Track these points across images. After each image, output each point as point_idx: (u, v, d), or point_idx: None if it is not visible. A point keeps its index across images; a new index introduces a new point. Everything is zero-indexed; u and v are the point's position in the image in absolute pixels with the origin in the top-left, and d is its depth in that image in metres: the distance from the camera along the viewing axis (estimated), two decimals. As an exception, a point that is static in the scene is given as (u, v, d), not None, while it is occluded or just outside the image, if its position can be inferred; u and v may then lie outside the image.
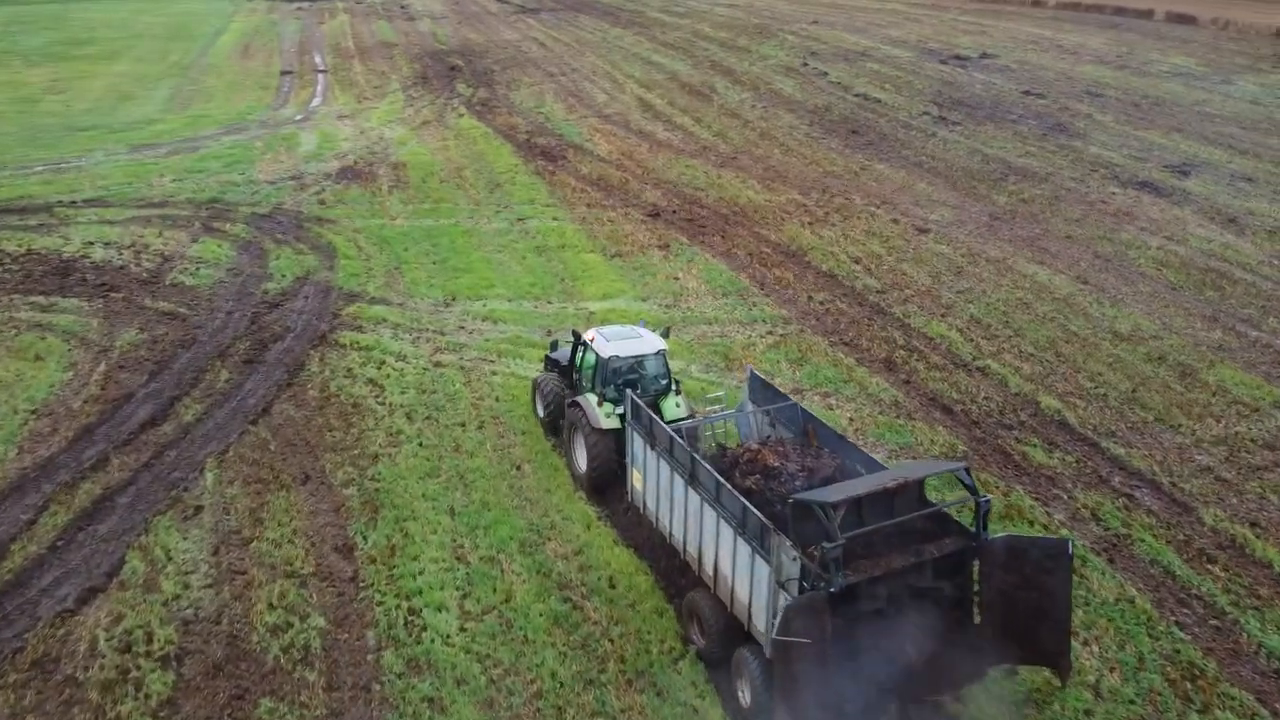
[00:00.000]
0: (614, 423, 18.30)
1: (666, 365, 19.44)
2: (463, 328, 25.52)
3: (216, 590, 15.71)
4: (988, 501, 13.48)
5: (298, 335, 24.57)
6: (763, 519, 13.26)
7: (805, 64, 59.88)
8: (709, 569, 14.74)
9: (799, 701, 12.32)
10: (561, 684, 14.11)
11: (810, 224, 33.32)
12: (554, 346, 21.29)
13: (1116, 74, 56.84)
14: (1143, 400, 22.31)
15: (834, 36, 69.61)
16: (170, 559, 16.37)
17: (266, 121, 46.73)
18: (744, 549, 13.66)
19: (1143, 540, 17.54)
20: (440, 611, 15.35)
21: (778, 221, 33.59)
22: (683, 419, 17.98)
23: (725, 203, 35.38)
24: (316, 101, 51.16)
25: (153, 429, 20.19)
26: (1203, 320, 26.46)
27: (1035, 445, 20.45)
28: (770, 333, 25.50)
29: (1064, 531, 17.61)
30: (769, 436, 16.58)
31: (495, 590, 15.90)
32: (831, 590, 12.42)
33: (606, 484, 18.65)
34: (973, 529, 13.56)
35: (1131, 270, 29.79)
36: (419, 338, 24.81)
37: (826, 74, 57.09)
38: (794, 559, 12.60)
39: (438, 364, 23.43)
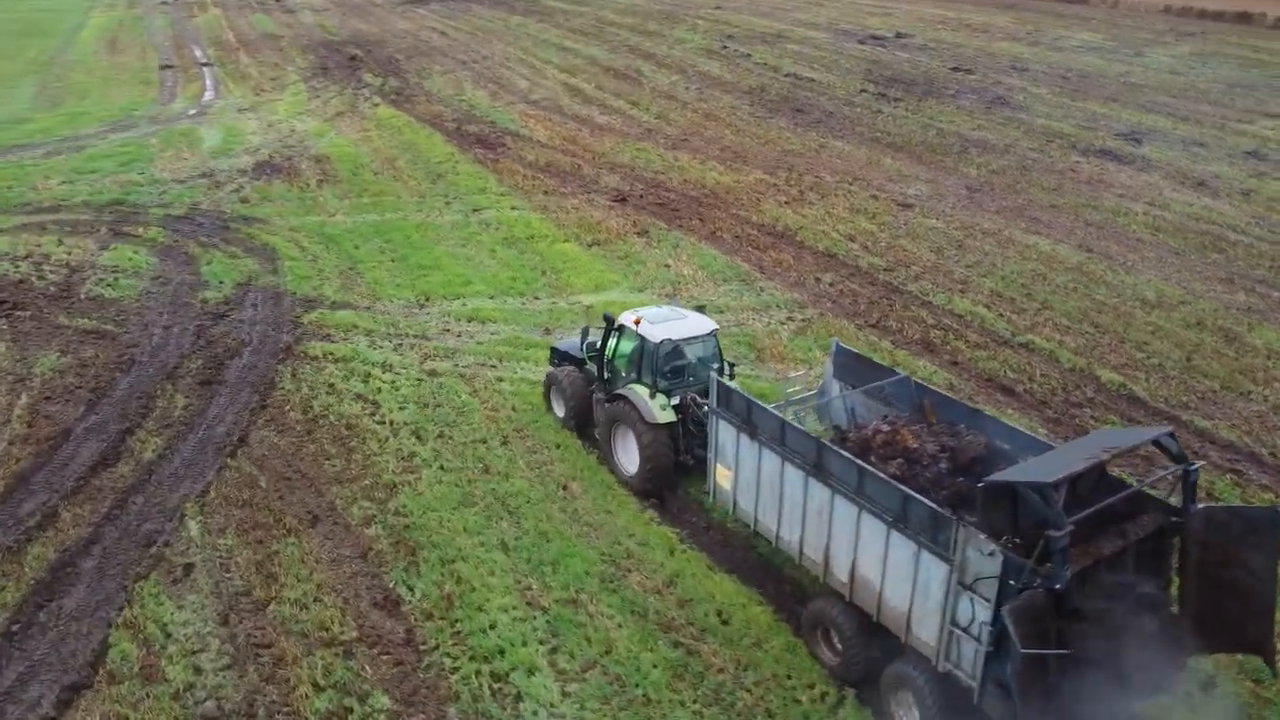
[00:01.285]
0: (670, 415, 15.95)
1: (719, 348, 17.06)
2: (448, 330, 22.34)
3: (239, 671, 12.36)
4: (1196, 470, 11.56)
5: (257, 349, 20.94)
6: (938, 509, 11.08)
7: (725, 47, 58.05)
8: (842, 573, 12.48)
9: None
10: (708, 753, 11.46)
11: (788, 203, 31.27)
12: (585, 334, 18.52)
13: (1033, 50, 57.09)
14: (1201, 368, 21.03)
15: (743, 21, 68.12)
16: (168, 636, 12.88)
17: (156, 117, 41.80)
18: (903, 546, 11.48)
19: (1273, 519, 15.98)
20: (532, 674, 12.43)
21: (753, 202, 31.40)
22: None
23: (691, 185, 33.00)
24: (209, 95, 46.27)
25: (105, 471, 16.43)
26: (1220, 283, 25.57)
27: (1115, 422, 18.81)
28: (790, 318, 23.24)
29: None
30: (885, 415, 14.29)
31: (589, 640, 13.06)
32: (1056, 587, 10.29)
33: (662, 485, 16.34)
34: (1172, 503, 11.68)
35: (1129, 236, 28.84)
36: (401, 344, 21.52)
37: (749, 55, 55.38)
38: (990, 553, 10.43)
39: (432, 373, 20.24)
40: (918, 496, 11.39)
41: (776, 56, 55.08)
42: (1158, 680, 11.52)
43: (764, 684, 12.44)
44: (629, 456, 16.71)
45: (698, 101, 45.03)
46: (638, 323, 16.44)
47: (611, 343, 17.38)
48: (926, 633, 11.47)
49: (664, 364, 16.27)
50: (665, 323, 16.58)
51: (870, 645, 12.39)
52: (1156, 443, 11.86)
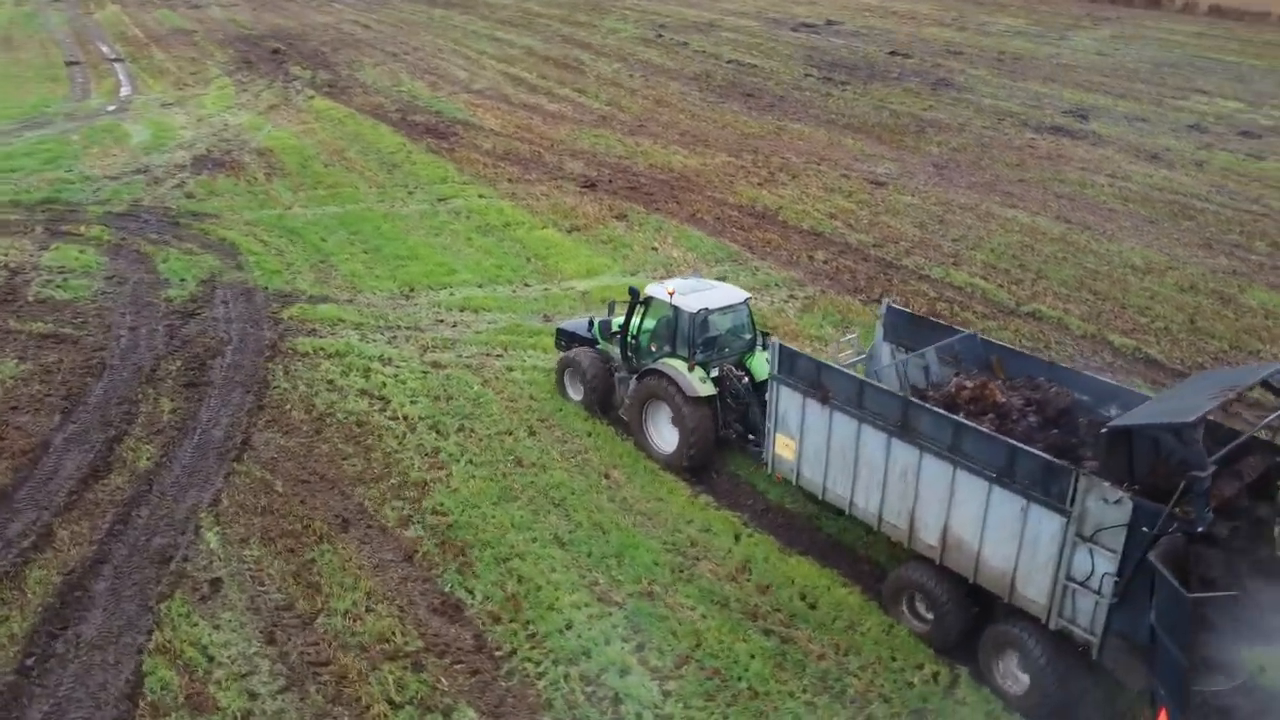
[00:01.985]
0: (710, 388, 15.31)
1: (751, 317, 16.42)
2: (441, 321, 21.07)
3: (299, 694, 11.07)
4: None
5: (239, 348, 19.34)
6: (1054, 460, 10.64)
7: (660, 36, 57.41)
8: (930, 537, 12.01)
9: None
10: (833, 745, 10.67)
11: (761, 184, 30.74)
12: (611, 309, 17.60)
13: (962, 35, 57.98)
14: (1206, 330, 21.19)
15: (672, 11, 67.58)
16: (210, 659, 11.49)
17: (73, 114, 39.00)
18: (1007, 502, 11.04)
19: (1318, 472, 16.00)
20: (625, 674, 11.46)
21: (725, 184, 30.77)
22: None
23: (658, 169, 32.20)
24: (127, 91, 43.47)
25: (98, 484, 14.77)
26: (1200, 249, 25.96)
27: (1142, 386, 18.66)
28: (792, 296, 22.67)
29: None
30: (958, 373, 13.81)
31: (676, 634, 12.15)
32: (1198, 530, 9.95)
33: (705, 462, 15.65)
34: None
35: (1101, 207, 29.14)
36: (395, 337, 20.18)
37: (686, 44, 54.85)
38: (1117, 501, 10.04)
39: (436, 365, 18.99)
40: (1030, 449, 10.94)
41: (714, 44, 54.68)
42: (1270, 629, 11.26)
43: (870, 668, 11.72)
44: (663, 434, 16.03)
45: (646, 88, 44.22)
46: (671, 294, 15.64)
47: (638, 316, 16.57)
48: (1034, 590, 11.06)
49: (699, 335, 15.51)
50: (697, 293, 15.91)
51: (964, 609, 11.90)
52: (1265, 383, 11.57)
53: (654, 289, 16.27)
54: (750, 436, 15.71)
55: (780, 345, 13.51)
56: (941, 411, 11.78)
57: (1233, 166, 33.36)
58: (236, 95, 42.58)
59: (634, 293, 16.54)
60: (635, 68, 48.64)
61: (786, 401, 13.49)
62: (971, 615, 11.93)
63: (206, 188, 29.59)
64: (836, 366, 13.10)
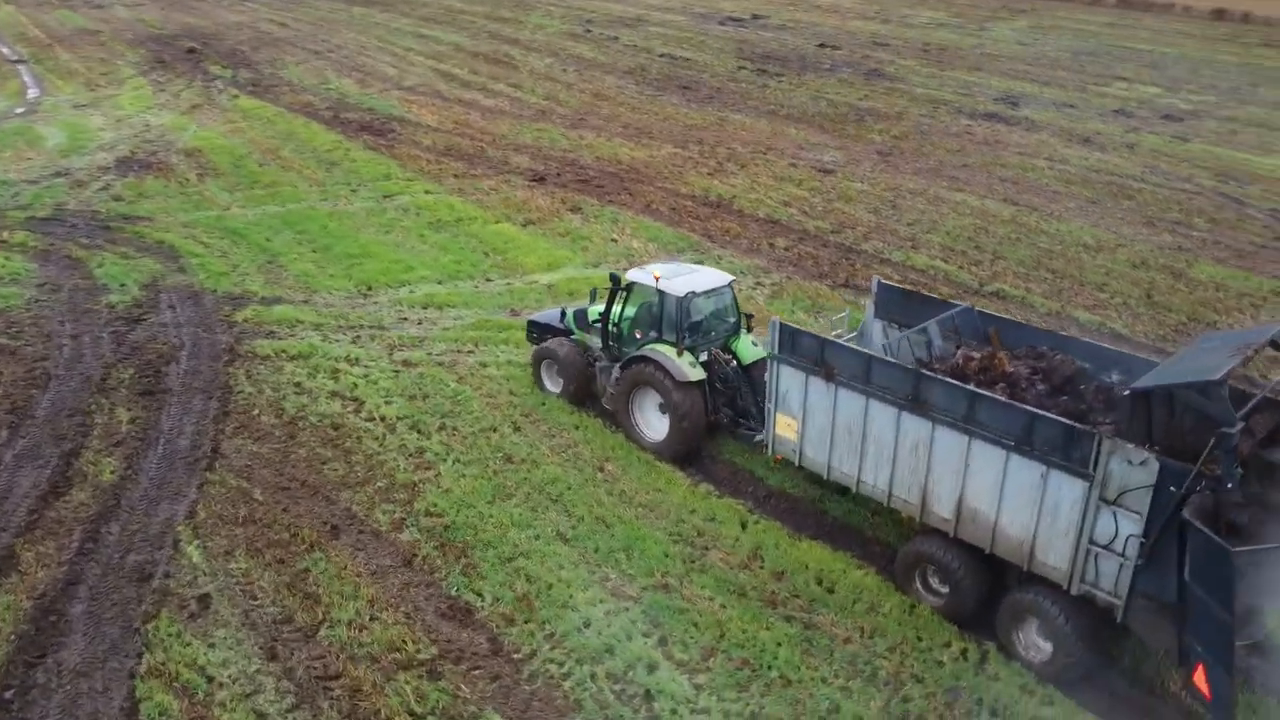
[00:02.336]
0: (700, 373, 15.09)
1: (735, 300, 16.23)
2: (405, 319, 20.33)
3: (311, 710, 10.38)
4: None
5: (194, 352, 18.34)
6: (1074, 424, 10.64)
7: (588, 31, 56.93)
8: (944, 510, 11.91)
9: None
10: (875, 730, 10.44)
11: (711, 174, 30.56)
12: (593, 296, 17.19)
13: (886, 27, 58.83)
14: (1164, 304, 21.68)
15: (599, 6, 67.07)
16: (210, 679, 10.71)
17: (-22, 117, 36.88)
18: (1026, 470, 10.99)
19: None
20: (653, 670, 11.04)
21: (675, 175, 30.52)
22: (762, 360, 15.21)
23: (606, 162, 31.78)
24: (34, 93, 41.26)
25: (59, 501, 13.75)
26: (1144, 227, 26.62)
27: (1113, 359, 19.02)
28: (759, 284, 22.51)
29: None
30: (958, 345, 13.77)
31: (697, 626, 11.78)
32: (1228, 487, 9.98)
33: (695, 448, 15.40)
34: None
35: (1044, 189, 29.70)
36: (359, 336, 19.39)
37: (616, 38, 54.48)
38: (1143, 462, 10.04)
39: (406, 363, 18.28)
40: (1050, 415, 10.90)
41: (643, 38, 54.43)
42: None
43: (897, 649, 11.53)
44: (652, 422, 15.78)
45: (581, 82, 43.72)
46: (658, 278, 15.31)
47: (619, 303, 16.20)
48: (1055, 557, 11.04)
49: (686, 319, 15.20)
50: (681, 277, 15.64)
51: (980, 579, 11.82)
52: (1273, 341, 11.71)
53: (637, 274, 15.94)
54: (741, 421, 15.49)
55: (781, 323, 13.28)
56: (956, 382, 11.69)
57: (1161, 148, 34.39)
58: (155, 95, 40.78)
59: (615, 279, 16.15)
60: (568, 62, 48.07)
61: (788, 381, 13.27)
62: (987, 585, 11.86)
63: (135, 190, 28.19)
64: (842, 343, 12.94)
